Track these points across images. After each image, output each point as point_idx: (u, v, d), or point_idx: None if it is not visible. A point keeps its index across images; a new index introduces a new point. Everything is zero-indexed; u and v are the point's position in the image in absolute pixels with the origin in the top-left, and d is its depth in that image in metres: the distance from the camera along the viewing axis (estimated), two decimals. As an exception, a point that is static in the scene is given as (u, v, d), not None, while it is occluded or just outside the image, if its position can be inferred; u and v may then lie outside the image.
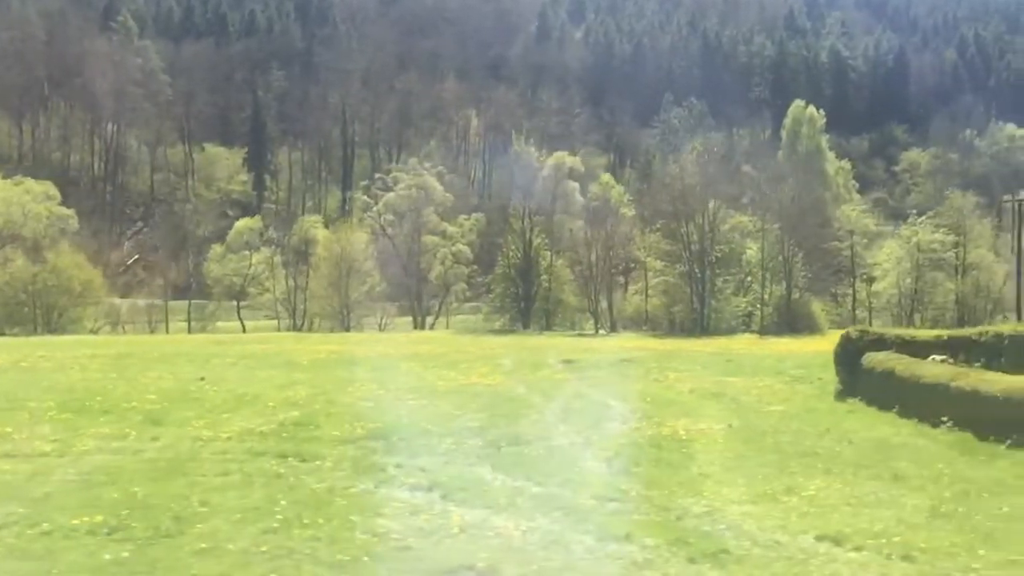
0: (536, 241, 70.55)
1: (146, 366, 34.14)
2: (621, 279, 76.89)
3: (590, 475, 14.97)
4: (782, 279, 66.70)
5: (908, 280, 77.01)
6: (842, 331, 28.38)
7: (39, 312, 63.11)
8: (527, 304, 69.40)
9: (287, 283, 75.00)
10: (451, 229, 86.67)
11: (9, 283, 64.49)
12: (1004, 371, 23.43)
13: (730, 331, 61.26)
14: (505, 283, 70.58)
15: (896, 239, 79.30)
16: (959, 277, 79.60)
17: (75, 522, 11.39)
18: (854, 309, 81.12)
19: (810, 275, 69.88)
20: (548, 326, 68.91)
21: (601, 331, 65.39)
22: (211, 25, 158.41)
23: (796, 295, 66.99)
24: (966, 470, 15.28)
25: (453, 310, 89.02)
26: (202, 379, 29.36)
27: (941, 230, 77.37)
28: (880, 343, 24.98)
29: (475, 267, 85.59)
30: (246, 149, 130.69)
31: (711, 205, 64.10)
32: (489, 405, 23.55)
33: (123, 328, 68.99)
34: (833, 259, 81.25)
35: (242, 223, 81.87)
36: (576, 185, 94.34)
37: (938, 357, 23.77)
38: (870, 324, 77.45)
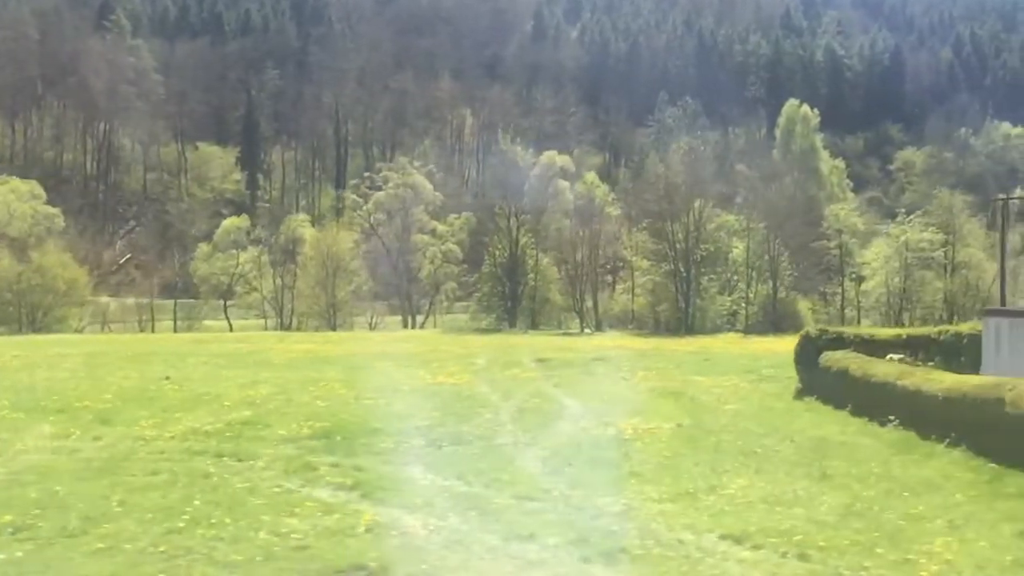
0: (523, 240, 70.48)
1: (117, 365, 34.20)
2: (609, 278, 76.88)
3: (520, 474, 14.95)
4: (768, 278, 66.69)
5: (896, 279, 76.87)
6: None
7: (24, 311, 63.07)
8: (513, 303, 69.35)
9: (274, 282, 74.89)
10: (441, 228, 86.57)
11: (-6, 282, 64.56)
12: (962, 370, 23.49)
13: (715, 330, 61.25)
14: (491, 282, 70.50)
15: (884, 238, 79.20)
16: (948, 276, 79.49)
17: (-17, 520, 11.41)
18: (843, 308, 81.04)
19: (797, 274, 69.86)
20: (535, 325, 68.86)
21: (587, 330, 65.36)
22: (206, 24, 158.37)
23: (782, 294, 66.99)
24: (896, 469, 15.25)
25: (444, 309, 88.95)
26: (167, 378, 29.38)
27: (930, 229, 77.21)
28: (839, 342, 24.97)
29: (465, 266, 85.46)
30: (239, 148, 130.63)
31: (696, 204, 64.02)
32: (446, 404, 23.54)
33: (109, 327, 68.91)
34: (822, 258, 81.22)
35: (229, 222, 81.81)
36: (567, 184, 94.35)
37: (895, 356, 23.77)
38: (859, 323, 77.64)
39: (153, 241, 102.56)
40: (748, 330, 60.80)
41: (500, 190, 77.74)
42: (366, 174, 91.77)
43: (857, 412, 21.12)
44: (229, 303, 77.84)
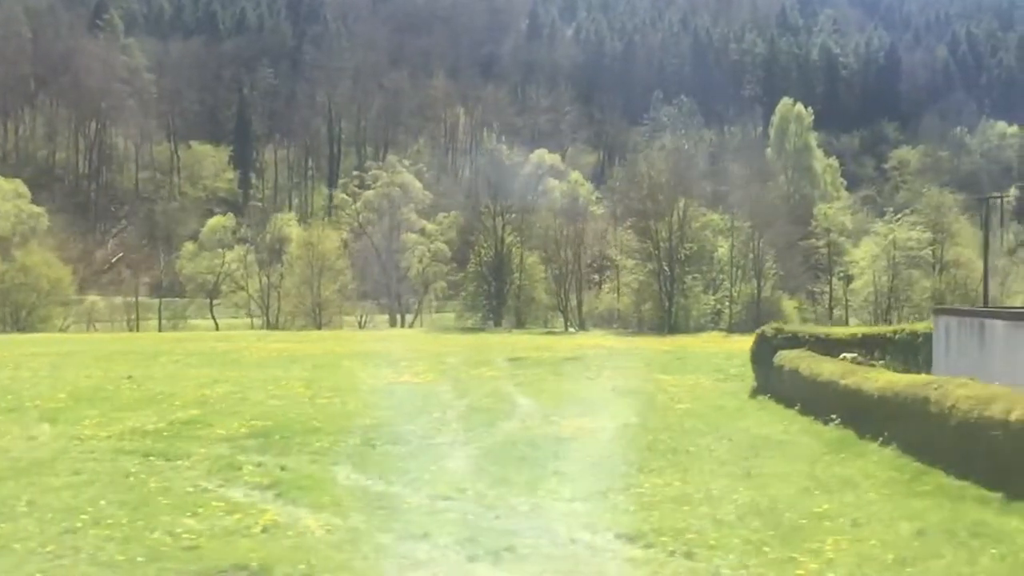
0: (508, 239, 70.50)
1: (85, 365, 34.21)
2: (596, 277, 76.90)
3: (444, 474, 14.90)
4: (752, 277, 66.69)
5: (884, 278, 76.83)
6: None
7: (7, 310, 63.14)
8: (498, 302, 69.38)
9: (260, 281, 74.94)
10: (430, 227, 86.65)
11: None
12: (919, 369, 23.46)
13: (699, 329, 61.28)
14: (477, 281, 70.58)
15: (872, 237, 79.17)
16: (937, 274, 79.42)
17: None
18: (831, 307, 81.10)
19: (783, 273, 69.85)
20: (521, 324, 68.88)
21: (571, 329, 65.37)
22: (201, 23, 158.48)
23: (767, 293, 66.96)
24: (821, 468, 15.20)
25: (434, 308, 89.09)
26: (129, 377, 29.38)
27: (917, 228, 77.14)
28: (794, 341, 24.91)
29: (454, 265, 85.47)
30: (232, 147, 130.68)
31: (681, 203, 64.02)
32: (399, 403, 23.53)
33: (94, 326, 69.00)
34: (811, 257, 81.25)
35: (215, 221, 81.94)
36: (557, 183, 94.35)
37: (848, 355, 23.72)
38: (847, 322, 77.60)
39: (145, 240, 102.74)
40: (732, 329, 60.81)
41: (488, 189, 77.78)
42: (355, 173, 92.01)
43: (804, 411, 21.10)
44: (215, 302, 77.86)
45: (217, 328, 72.63)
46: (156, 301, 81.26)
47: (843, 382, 19.26)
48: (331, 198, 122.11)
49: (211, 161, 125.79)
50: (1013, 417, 12.53)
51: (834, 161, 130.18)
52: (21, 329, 61.10)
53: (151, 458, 16.06)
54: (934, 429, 14.67)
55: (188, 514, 11.97)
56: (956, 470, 13.82)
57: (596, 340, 51.63)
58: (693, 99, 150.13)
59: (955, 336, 21.07)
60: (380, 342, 50.21)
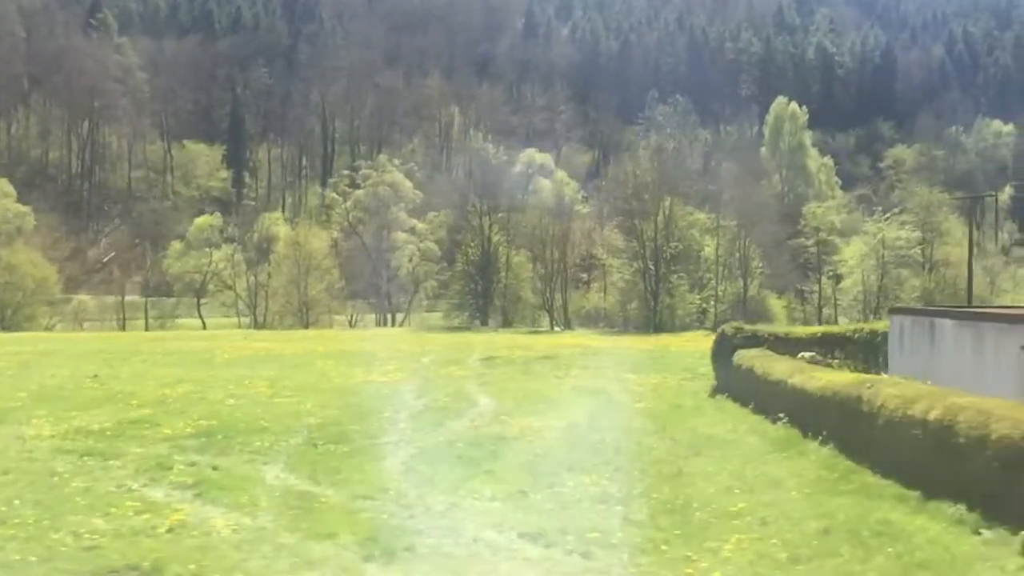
0: (495, 238, 70.44)
1: (56, 364, 34.18)
2: (585, 276, 76.85)
3: (375, 474, 14.84)
4: (739, 276, 66.62)
5: (873, 277, 76.76)
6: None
7: (-8, 309, 63.27)
8: (485, 301, 69.34)
9: (247, 280, 74.92)
10: (420, 226, 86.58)
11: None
12: (877, 367, 23.43)
13: (684, 328, 61.17)
14: (464, 280, 70.54)
15: (861, 236, 79.11)
16: (927, 273, 79.40)
17: None
18: (820, 306, 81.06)
19: (770, 272, 69.74)
20: (508, 323, 68.82)
21: (556, 328, 65.33)
22: (197, 22, 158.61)
23: (754, 292, 66.89)
24: (753, 467, 15.11)
25: (424, 307, 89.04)
26: (95, 376, 29.39)
27: (906, 227, 77.06)
28: (754, 340, 24.89)
29: (444, 264, 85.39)
30: (226, 146, 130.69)
31: (667, 202, 63.93)
32: (356, 403, 23.48)
33: (81, 326, 69.01)
34: (800, 256, 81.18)
35: (202, 220, 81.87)
36: (548, 182, 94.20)
37: (806, 354, 23.70)
38: (836, 321, 77.53)
39: (137, 239, 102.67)
40: (716, 328, 60.58)
41: (477, 188, 77.68)
42: (344, 172, 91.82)
43: (757, 410, 21.10)
44: (203, 301, 77.85)
45: (205, 327, 72.58)
46: (146, 300, 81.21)
47: (790, 381, 19.24)
48: (323, 197, 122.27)
49: (205, 160, 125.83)
50: (932, 416, 12.50)
51: (829, 160, 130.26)
52: (6, 328, 61.12)
53: (86, 458, 16.01)
54: (864, 428, 14.65)
55: (99, 514, 11.92)
56: (882, 469, 13.80)
57: (577, 339, 51.56)
58: (689, 98, 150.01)
59: (908, 335, 21.04)
60: (361, 342, 50.15)
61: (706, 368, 31.56)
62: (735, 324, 25.35)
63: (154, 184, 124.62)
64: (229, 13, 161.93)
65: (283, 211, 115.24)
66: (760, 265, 67.34)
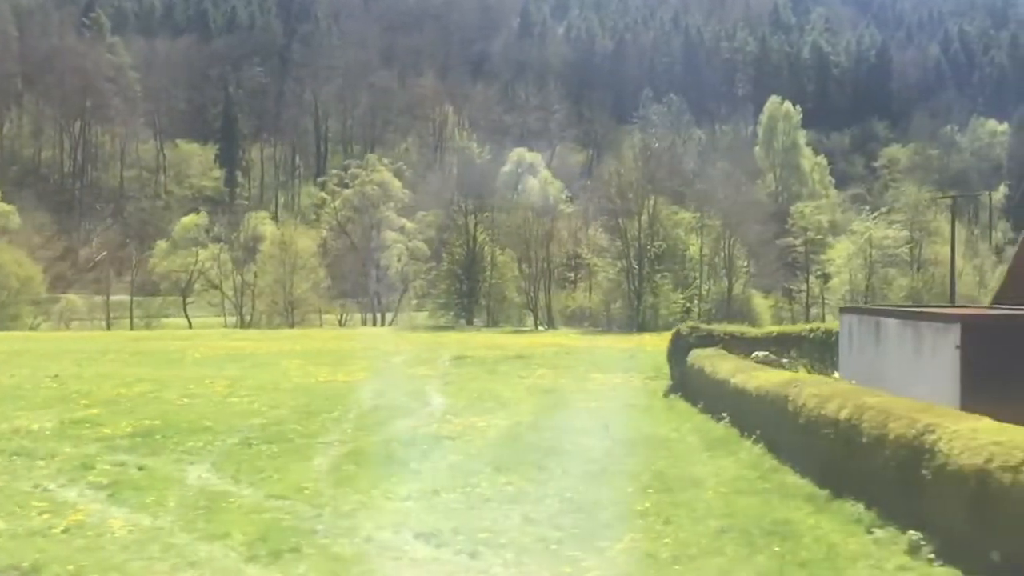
0: (480, 238, 70.39)
1: (21, 364, 34.15)
2: (571, 275, 76.76)
3: (298, 473, 14.75)
4: (724, 275, 66.53)
5: (861, 276, 76.70)
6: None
7: (-25, 309, 63.27)
8: (470, 300, 69.29)
9: (234, 280, 74.90)
10: (409, 225, 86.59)
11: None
12: (833, 367, 23.37)
13: (667, 327, 60.92)
14: (450, 279, 70.48)
15: (849, 235, 79.07)
16: (915, 272, 79.33)
17: None
18: (808, 305, 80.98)
19: (755, 271, 69.63)
20: (494, 323, 68.78)
21: (540, 327, 65.26)
22: (192, 21, 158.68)
23: (738, 291, 66.80)
24: (680, 467, 15.08)
25: (413, 307, 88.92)
26: (55, 376, 29.34)
27: (895, 226, 76.99)
28: (709, 339, 24.83)
29: (433, 263, 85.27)
30: (219, 146, 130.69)
31: (651, 201, 63.84)
32: (307, 403, 23.39)
33: (67, 325, 69.03)
34: (788, 255, 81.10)
35: (188, 219, 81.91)
36: (536, 182, 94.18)
37: (760, 354, 23.64)
38: (823, 320, 77.41)
39: (129, 239, 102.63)
40: (699, 327, 60.55)
41: (462, 187, 77.59)
42: (333, 171, 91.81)
43: (704, 410, 21.08)
44: (189, 301, 77.85)
45: (191, 326, 72.57)
46: (136, 299, 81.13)
47: (732, 381, 19.18)
48: (315, 197, 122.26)
49: (197, 160, 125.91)
50: (842, 416, 12.43)
51: (822, 159, 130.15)
52: (-9, 328, 61.15)
53: (15, 457, 15.94)
54: (788, 428, 14.61)
55: (3, 514, 11.87)
56: (802, 468, 13.75)
57: (555, 339, 51.48)
58: (684, 98, 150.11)
59: (856, 335, 20.96)
60: (338, 341, 50.12)
61: (673, 368, 31.65)
62: (691, 323, 25.30)
63: (147, 183, 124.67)
64: (225, 13, 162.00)
65: (276, 211, 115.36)
66: (745, 264, 67.25)
